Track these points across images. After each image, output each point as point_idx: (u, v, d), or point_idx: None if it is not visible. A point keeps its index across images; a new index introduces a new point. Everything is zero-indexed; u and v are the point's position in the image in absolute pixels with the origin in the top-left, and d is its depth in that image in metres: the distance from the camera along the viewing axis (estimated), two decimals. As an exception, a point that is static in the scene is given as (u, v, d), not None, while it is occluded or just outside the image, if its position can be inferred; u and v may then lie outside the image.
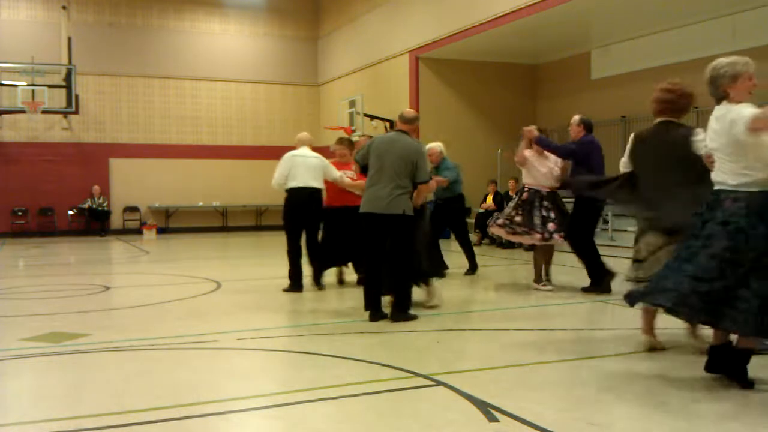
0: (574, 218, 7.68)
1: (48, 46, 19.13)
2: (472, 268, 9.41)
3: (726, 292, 3.84)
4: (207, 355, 5.23)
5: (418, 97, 16.89)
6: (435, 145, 9.08)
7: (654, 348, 5.00)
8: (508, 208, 7.96)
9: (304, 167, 8.01)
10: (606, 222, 13.11)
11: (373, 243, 6.31)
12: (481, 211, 14.67)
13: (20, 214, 19.50)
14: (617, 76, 15.26)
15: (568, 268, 9.17)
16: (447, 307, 6.87)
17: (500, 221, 7.87)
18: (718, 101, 4.13)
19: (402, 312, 6.27)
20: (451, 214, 9.35)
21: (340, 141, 8.70)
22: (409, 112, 6.67)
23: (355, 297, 7.78)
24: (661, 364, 4.68)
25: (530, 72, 17.97)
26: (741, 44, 12.00)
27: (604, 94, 15.75)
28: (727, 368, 4.09)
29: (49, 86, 18.26)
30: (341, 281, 8.60)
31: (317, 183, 8.02)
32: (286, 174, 8.02)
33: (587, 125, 7.81)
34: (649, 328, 5.05)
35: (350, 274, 8.60)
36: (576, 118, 7.88)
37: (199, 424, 3.61)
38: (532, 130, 7.80)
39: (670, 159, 4.95)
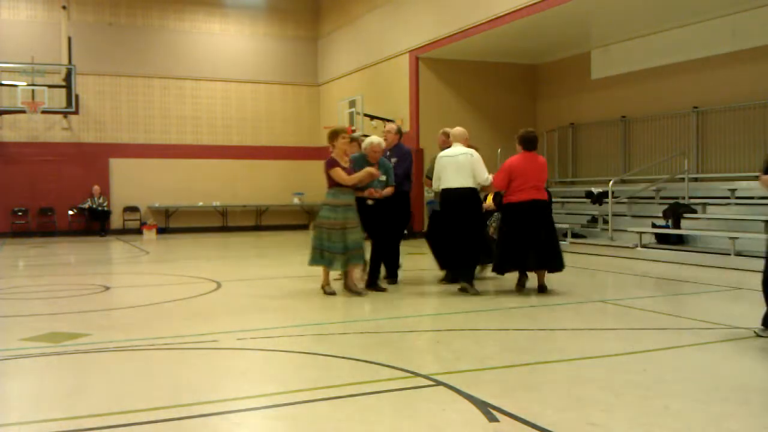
0: (386, 220, 8.18)
1: (48, 46, 19.15)
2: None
3: None
4: (207, 355, 5.22)
5: (418, 97, 16.91)
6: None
7: None
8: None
9: (454, 166, 7.74)
10: (606, 222, 13.11)
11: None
12: (480, 211, 14.66)
13: (20, 214, 19.51)
14: (617, 76, 15.27)
15: (568, 269, 9.16)
16: (447, 308, 6.87)
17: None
18: None
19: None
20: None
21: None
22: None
23: (355, 297, 7.78)
24: (661, 364, 4.69)
25: (530, 72, 17.97)
26: (741, 44, 11.99)
27: (604, 94, 15.77)
28: None
29: (49, 86, 18.28)
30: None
31: (466, 182, 7.74)
32: (438, 176, 7.87)
33: (401, 134, 8.83)
34: None
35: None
36: (393, 127, 8.78)
37: (199, 424, 3.61)
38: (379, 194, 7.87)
39: None
